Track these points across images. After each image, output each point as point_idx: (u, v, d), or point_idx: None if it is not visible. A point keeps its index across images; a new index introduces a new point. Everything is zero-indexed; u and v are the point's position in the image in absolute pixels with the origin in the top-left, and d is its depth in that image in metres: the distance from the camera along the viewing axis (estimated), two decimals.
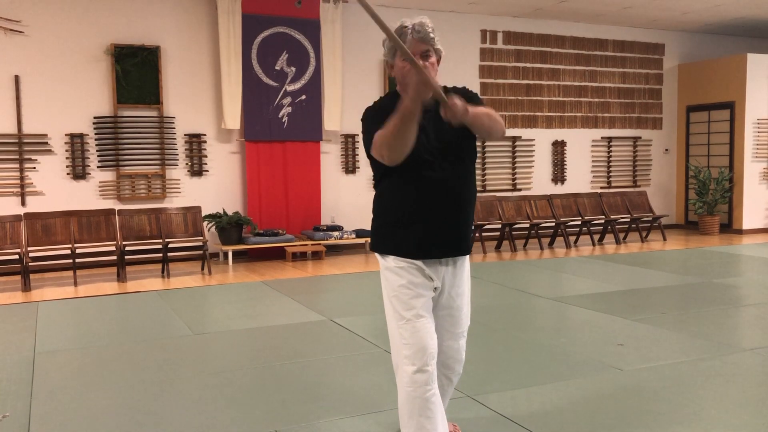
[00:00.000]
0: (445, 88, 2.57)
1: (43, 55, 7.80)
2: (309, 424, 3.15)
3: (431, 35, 2.44)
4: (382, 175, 2.53)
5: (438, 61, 2.49)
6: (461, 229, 2.51)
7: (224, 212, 8.38)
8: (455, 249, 2.52)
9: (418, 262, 2.47)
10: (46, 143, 7.84)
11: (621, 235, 10.12)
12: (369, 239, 9.14)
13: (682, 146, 11.64)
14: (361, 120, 2.56)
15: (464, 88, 2.67)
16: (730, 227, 10.90)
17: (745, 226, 10.75)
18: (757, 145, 10.77)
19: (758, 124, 10.75)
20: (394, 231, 2.50)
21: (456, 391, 3.49)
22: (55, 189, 7.88)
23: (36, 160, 7.81)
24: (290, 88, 8.76)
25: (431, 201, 2.45)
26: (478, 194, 10.19)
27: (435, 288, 2.51)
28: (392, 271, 2.48)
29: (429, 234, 2.46)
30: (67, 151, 7.93)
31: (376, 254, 2.59)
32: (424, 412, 2.41)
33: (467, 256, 2.61)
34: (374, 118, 2.43)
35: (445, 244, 2.49)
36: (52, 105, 7.84)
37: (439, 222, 2.46)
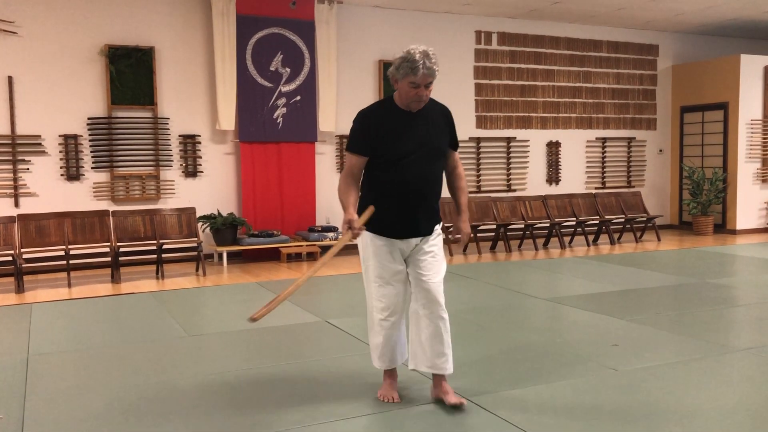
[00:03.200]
0: (433, 102, 3.25)
1: (37, 56, 7.77)
2: (304, 426, 3.14)
3: (436, 72, 3.05)
4: (368, 168, 3.25)
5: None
6: (426, 218, 3.23)
7: (219, 213, 8.36)
8: (418, 232, 3.23)
9: (394, 240, 3.20)
10: (40, 144, 7.81)
11: (615, 236, 10.14)
12: None
13: (676, 147, 11.67)
14: (354, 122, 3.23)
15: (448, 112, 3.32)
16: (724, 227, 10.94)
17: (739, 226, 10.79)
18: (751, 145, 10.81)
19: (751, 124, 10.79)
20: (375, 213, 3.17)
21: None
22: (48, 190, 7.86)
23: (29, 161, 7.78)
24: (285, 89, 8.76)
25: (401, 194, 3.15)
26: (473, 195, 10.21)
27: (406, 256, 3.26)
28: (373, 244, 3.22)
29: (399, 219, 3.18)
30: (60, 152, 7.90)
31: None
32: (384, 344, 3.31)
33: (437, 228, 3.32)
34: (362, 134, 3.17)
35: (411, 228, 3.21)
36: (45, 106, 7.82)
37: (406, 211, 3.18)
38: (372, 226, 3.19)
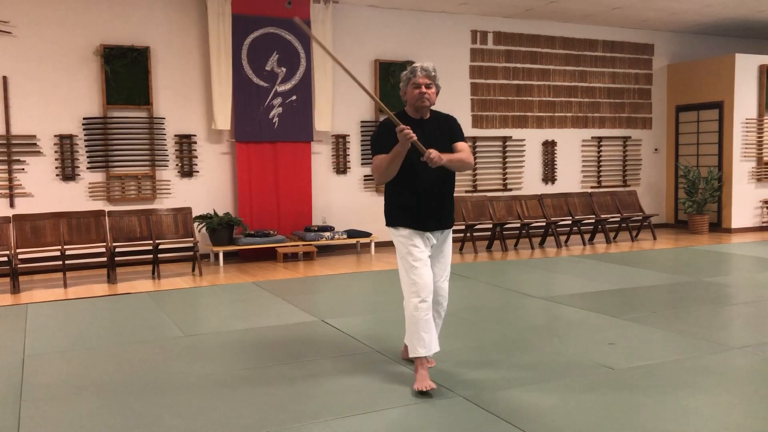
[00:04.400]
0: (436, 113, 3.80)
1: (32, 56, 7.75)
2: (301, 425, 3.14)
3: (433, 74, 3.67)
4: None
5: (437, 93, 3.70)
6: (443, 212, 3.75)
7: (215, 213, 8.35)
8: (440, 225, 3.75)
9: (421, 231, 3.68)
10: (35, 144, 7.79)
11: (611, 235, 10.15)
12: (360, 240, 9.16)
13: (672, 146, 11.70)
14: (374, 131, 3.75)
15: (452, 118, 3.85)
16: (719, 226, 10.97)
17: (734, 225, 10.82)
18: (746, 144, 10.84)
19: (746, 123, 10.82)
20: (402, 211, 3.70)
21: (448, 391, 3.53)
22: (44, 190, 7.84)
23: (25, 161, 7.76)
24: (281, 88, 8.75)
25: (419, 190, 3.66)
26: (469, 194, 10.22)
27: (432, 246, 3.74)
28: (405, 236, 3.68)
29: (424, 215, 3.69)
30: (56, 152, 7.88)
31: (390, 227, 3.76)
32: (424, 328, 3.59)
33: (450, 228, 3.86)
34: (382, 138, 3.62)
35: (434, 221, 3.72)
36: (40, 106, 7.80)
37: (429, 208, 3.68)
38: (404, 221, 3.69)
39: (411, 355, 3.65)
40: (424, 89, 3.64)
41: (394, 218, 3.73)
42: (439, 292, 3.82)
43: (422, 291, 3.59)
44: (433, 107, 3.77)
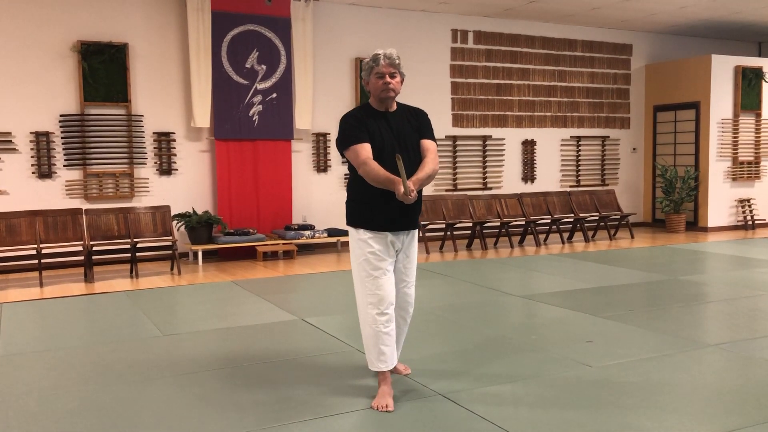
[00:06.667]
0: (404, 106, 3.55)
1: (8, 52, 7.64)
2: (281, 425, 3.13)
3: (397, 62, 3.41)
4: (353, 168, 3.47)
5: (401, 81, 3.45)
6: (411, 210, 3.44)
7: (194, 211, 8.29)
8: (408, 225, 3.46)
9: (384, 233, 3.38)
10: (11, 141, 7.68)
11: (590, 234, 10.24)
12: (340, 238, 9.13)
13: (650, 145, 11.82)
14: (341, 124, 3.46)
15: (422, 112, 3.58)
16: (695, 225, 11.11)
17: (710, 223, 10.96)
18: (721, 144, 10.99)
19: (722, 123, 10.96)
20: (365, 210, 3.41)
21: (427, 389, 3.54)
22: (19, 188, 7.73)
23: (0, 158, 7.65)
24: (261, 86, 8.71)
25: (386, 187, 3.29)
26: (449, 193, 10.20)
27: (397, 251, 3.46)
28: (364, 241, 3.39)
29: (390, 214, 3.37)
30: (32, 149, 7.78)
31: (350, 227, 3.48)
32: (384, 341, 3.37)
33: (416, 229, 3.59)
34: (356, 127, 3.40)
35: (402, 221, 3.42)
36: (16, 103, 7.69)
37: (396, 205, 3.34)
38: (365, 221, 3.40)
39: (371, 368, 3.44)
40: (388, 79, 3.37)
41: (355, 217, 3.46)
42: (406, 299, 3.58)
43: (381, 303, 3.33)
44: (404, 100, 3.51)
